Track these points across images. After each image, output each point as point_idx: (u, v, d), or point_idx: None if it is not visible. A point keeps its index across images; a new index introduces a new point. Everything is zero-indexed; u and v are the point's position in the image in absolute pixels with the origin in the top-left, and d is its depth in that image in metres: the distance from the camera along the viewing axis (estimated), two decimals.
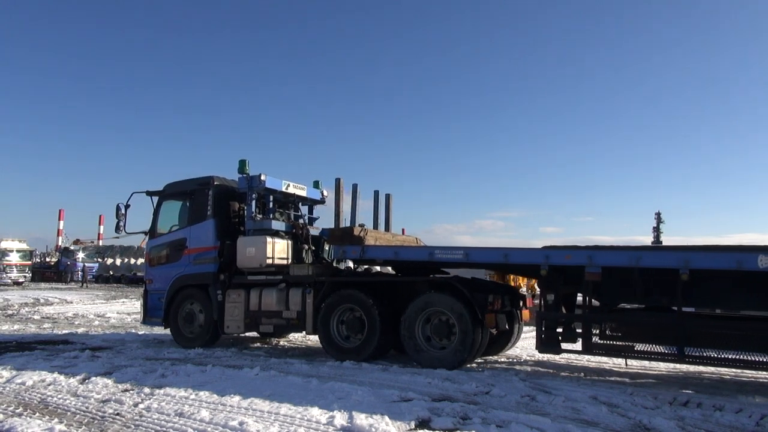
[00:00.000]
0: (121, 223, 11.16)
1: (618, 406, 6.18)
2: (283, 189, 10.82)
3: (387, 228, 11.30)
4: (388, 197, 11.25)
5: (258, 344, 11.41)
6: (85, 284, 41.40)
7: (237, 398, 6.26)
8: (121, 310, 20.06)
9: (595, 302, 8.20)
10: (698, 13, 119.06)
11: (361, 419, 5.35)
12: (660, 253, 7.57)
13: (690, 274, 6.98)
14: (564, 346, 8.07)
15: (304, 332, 9.78)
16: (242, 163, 10.29)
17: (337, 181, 10.20)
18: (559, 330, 8.13)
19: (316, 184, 11.81)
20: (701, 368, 9.00)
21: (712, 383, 7.88)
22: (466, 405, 6.10)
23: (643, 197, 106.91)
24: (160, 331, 13.40)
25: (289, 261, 10.17)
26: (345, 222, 10.40)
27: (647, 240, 61.65)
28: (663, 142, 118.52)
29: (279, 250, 10.02)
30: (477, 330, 8.23)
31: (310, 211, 11.98)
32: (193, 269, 10.58)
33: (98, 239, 62.14)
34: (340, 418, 5.45)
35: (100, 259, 52.93)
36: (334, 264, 10.61)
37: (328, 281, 9.47)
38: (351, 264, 10.79)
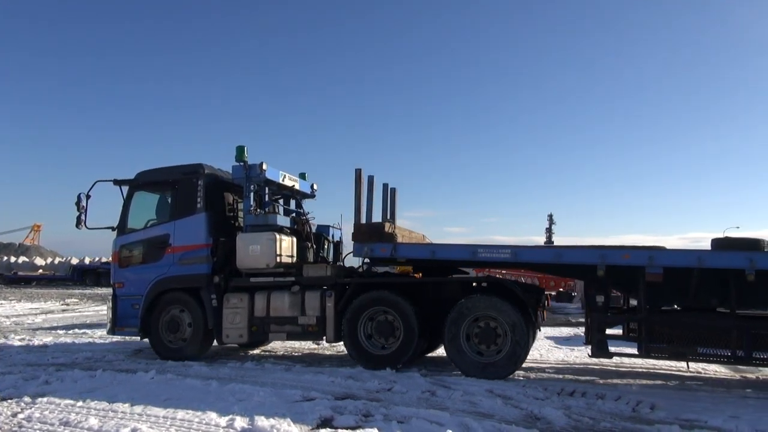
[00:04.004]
0: (83, 217, 9.67)
1: (512, 398, 6.51)
2: (280, 180, 9.72)
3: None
4: (393, 191, 10.06)
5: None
6: None
7: (129, 404, 5.96)
8: None
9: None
10: (573, 23, 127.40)
11: (262, 421, 5.26)
12: (725, 254, 7.37)
13: (755, 275, 6.90)
14: (615, 349, 7.87)
15: (324, 339, 8.81)
16: (240, 150, 8.98)
17: (358, 172, 8.84)
18: (607, 333, 7.88)
19: (303, 176, 10.68)
20: (587, 359, 9.67)
21: (596, 373, 8.48)
22: (369, 402, 6.17)
23: (538, 200, 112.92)
24: (43, 337, 12.50)
25: (294, 260, 9.18)
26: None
27: (540, 240, 65.29)
28: (558, 147, 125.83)
29: (285, 248, 8.97)
30: (530, 333, 7.82)
31: (298, 206, 10.81)
32: (179, 270, 9.21)
33: None
34: (241, 421, 5.33)
35: None
36: (340, 263, 9.85)
37: (354, 283, 8.66)
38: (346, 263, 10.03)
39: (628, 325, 8.01)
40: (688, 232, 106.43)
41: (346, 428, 5.29)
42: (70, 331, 13.22)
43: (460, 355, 7.90)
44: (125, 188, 9.90)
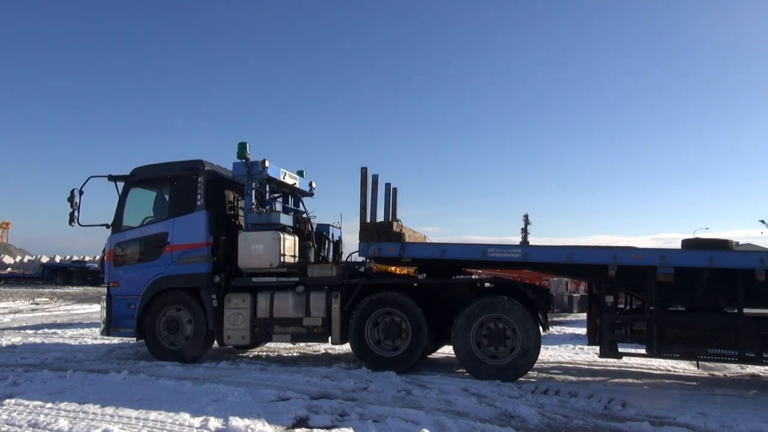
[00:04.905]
0: (76, 214, 9.34)
1: (486, 397, 6.57)
2: (281, 178, 9.56)
3: None
4: (395, 191, 9.95)
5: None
6: None
7: (100, 405, 5.88)
8: None
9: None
10: (544, 21, 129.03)
11: (236, 421, 5.23)
12: (737, 254, 7.41)
13: (765, 275, 6.92)
14: (623, 349, 7.85)
15: (329, 341, 8.69)
16: (242, 147, 8.80)
17: (363, 170, 8.71)
18: (617, 333, 7.83)
19: (301, 174, 10.46)
20: (560, 358, 9.81)
21: (569, 371, 8.60)
22: (344, 402, 6.18)
23: (512, 200, 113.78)
24: (11, 337, 12.24)
25: (297, 260, 9.04)
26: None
27: (516, 239, 65.91)
28: (531, 148, 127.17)
29: (288, 247, 8.82)
30: (538, 336, 7.79)
31: (296, 204, 10.64)
32: (178, 269, 8.96)
33: None
34: (215, 422, 5.29)
35: None
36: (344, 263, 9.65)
37: (361, 283, 8.47)
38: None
39: (631, 325, 7.99)
40: (659, 233, 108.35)
41: (322, 428, 5.29)
42: (40, 331, 12.96)
43: (465, 334, 7.87)
44: (120, 184, 9.61)
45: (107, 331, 9.43)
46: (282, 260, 8.63)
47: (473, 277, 9.36)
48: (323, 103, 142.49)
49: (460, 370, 8.43)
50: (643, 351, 7.80)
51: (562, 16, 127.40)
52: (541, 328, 8.02)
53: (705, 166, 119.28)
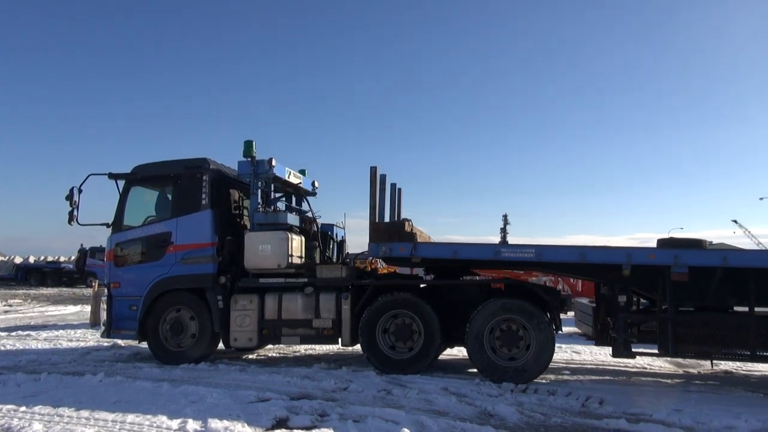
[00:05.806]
0: (75, 212, 9.11)
1: (466, 396, 6.61)
2: (286, 177, 9.44)
3: None
4: (399, 190, 9.80)
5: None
6: None
7: (76, 408, 5.80)
8: None
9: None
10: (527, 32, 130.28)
11: (215, 423, 5.20)
12: (750, 253, 7.52)
13: None
14: (635, 349, 7.80)
15: (339, 342, 8.58)
16: (248, 145, 8.68)
17: (373, 170, 8.55)
18: (630, 333, 7.80)
19: (303, 173, 10.29)
20: None
21: (547, 370, 8.64)
22: (324, 402, 6.18)
23: (491, 199, 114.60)
24: None
25: (303, 260, 8.93)
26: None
27: (495, 239, 66.42)
28: (512, 149, 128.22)
29: (295, 248, 8.70)
30: (547, 362, 7.73)
31: (299, 203, 10.55)
32: (182, 270, 8.79)
33: None
34: (193, 423, 5.25)
35: None
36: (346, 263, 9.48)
37: (372, 284, 8.39)
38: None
39: (639, 325, 8.02)
40: (635, 233, 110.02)
41: (302, 428, 5.28)
42: (13, 333, 12.70)
43: (488, 318, 7.84)
44: (121, 183, 9.40)
45: (108, 333, 9.21)
46: (290, 261, 8.52)
47: (489, 277, 9.33)
48: (313, 101, 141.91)
49: (440, 370, 8.47)
50: (653, 351, 7.78)
51: (536, 19, 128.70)
52: (554, 330, 7.94)
53: (680, 167, 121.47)
